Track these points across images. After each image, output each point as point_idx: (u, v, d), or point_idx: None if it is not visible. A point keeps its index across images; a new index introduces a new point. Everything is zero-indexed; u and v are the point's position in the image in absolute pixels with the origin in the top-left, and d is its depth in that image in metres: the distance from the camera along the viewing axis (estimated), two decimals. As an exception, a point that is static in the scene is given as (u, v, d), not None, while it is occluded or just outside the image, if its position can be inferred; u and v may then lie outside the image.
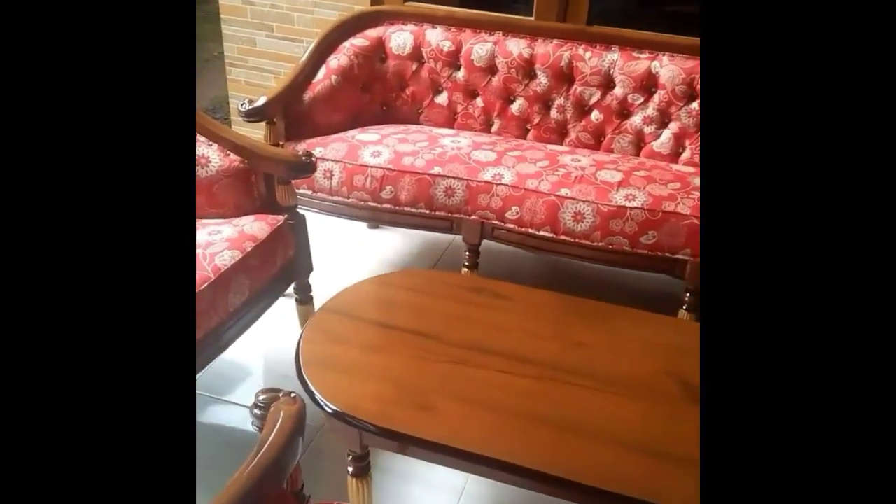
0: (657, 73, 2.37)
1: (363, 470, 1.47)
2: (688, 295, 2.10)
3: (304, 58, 2.45)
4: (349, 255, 2.71)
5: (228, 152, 1.90)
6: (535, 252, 2.26)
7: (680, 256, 2.04)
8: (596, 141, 2.48)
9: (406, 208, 2.21)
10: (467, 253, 2.24)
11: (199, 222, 1.86)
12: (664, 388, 1.45)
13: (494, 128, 2.55)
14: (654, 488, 1.22)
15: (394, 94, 2.60)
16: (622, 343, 1.58)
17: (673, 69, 2.34)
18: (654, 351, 1.55)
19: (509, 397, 1.39)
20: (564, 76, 2.44)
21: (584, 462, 1.26)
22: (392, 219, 2.28)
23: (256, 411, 1.03)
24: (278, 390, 1.04)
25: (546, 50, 2.44)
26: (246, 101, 2.23)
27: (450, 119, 2.59)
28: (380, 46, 2.56)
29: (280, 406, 1.00)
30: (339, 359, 1.48)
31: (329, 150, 2.26)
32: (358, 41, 2.52)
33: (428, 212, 2.20)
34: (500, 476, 1.32)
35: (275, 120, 2.30)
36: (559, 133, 2.51)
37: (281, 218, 1.91)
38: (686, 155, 2.39)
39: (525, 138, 2.53)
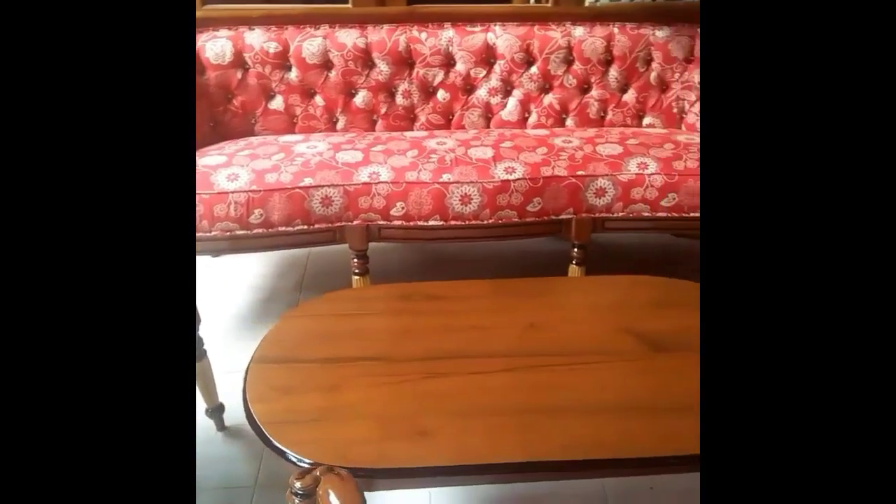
0: (494, 43, 2.39)
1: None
2: (575, 250, 2.18)
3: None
4: (213, 293, 2.44)
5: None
6: (423, 243, 2.20)
7: (564, 216, 2.11)
8: (446, 120, 2.46)
9: (281, 228, 2.02)
10: (356, 260, 2.11)
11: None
12: (624, 345, 1.48)
13: (340, 125, 2.42)
14: (650, 444, 1.23)
15: (220, 108, 2.35)
16: (569, 313, 1.59)
17: (508, 38, 2.38)
18: (601, 312, 1.59)
19: (493, 397, 1.34)
20: (404, 60, 2.38)
21: (587, 436, 1.25)
22: (266, 243, 2.07)
23: (299, 501, 0.87)
24: (310, 469, 0.89)
25: (380, 37, 2.35)
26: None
27: (289, 124, 2.41)
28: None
29: (329, 486, 0.85)
30: (301, 410, 1.31)
31: (176, 183, 1.97)
32: (169, 55, 2.22)
33: (306, 227, 2.03)
34: (508, 477, 1.27)
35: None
36: (408, 119, 2.45)
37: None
38: (533, 119, 2.46)
39: (374, 130, 2.43)
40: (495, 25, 2.40)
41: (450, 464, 1.20)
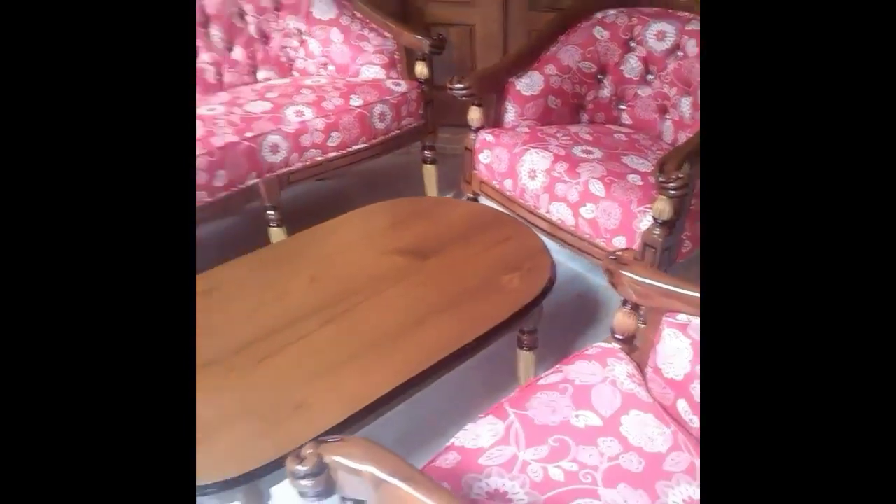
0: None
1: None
2: (269, 213, 2.17)
3: None
4: None
5: None
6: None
7: (249, 182, 2.08)
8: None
9: None
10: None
11: None
12: (399, 264, 1.62)
13: None
14: (473, 327, 1.43)
15: None
16: (336, 257, 1.67)
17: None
18: (362, 245, 1.71)
19: (332, 351, 1.36)
20: None
21: (426, 344, 1.38)
22: None
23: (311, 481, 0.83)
24: (297, 452, 0.85)
25: None
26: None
27: None
28: None
29: (337, 453, 0.84)
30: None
31: None
32: None
33: None
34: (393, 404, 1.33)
35: None
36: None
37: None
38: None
39: None
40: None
41: (343, 416, 1.21)
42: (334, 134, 2.21)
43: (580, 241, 1.94)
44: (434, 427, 1.72)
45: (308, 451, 0.83)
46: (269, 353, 1.34)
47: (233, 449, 1.15)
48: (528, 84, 2.22)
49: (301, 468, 0.82)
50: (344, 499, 0.87)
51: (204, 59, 2.37)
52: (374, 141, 2.34)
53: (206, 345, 1.35)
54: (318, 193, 2.79)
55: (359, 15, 2.56)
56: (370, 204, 1.89)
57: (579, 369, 1.23)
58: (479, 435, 1.10)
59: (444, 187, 2.69)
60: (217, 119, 2.07)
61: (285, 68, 2.57)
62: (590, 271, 2.32)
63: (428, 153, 2.58)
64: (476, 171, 2.22)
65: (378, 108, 2.31)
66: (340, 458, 0.83)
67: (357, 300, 1.50)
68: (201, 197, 1.96)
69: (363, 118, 2.27)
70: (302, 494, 0.83)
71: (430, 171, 2.61)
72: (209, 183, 1.96)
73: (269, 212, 2.16)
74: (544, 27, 2.33)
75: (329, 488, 0.83)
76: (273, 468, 1.13)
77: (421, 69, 2.47)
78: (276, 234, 2.19)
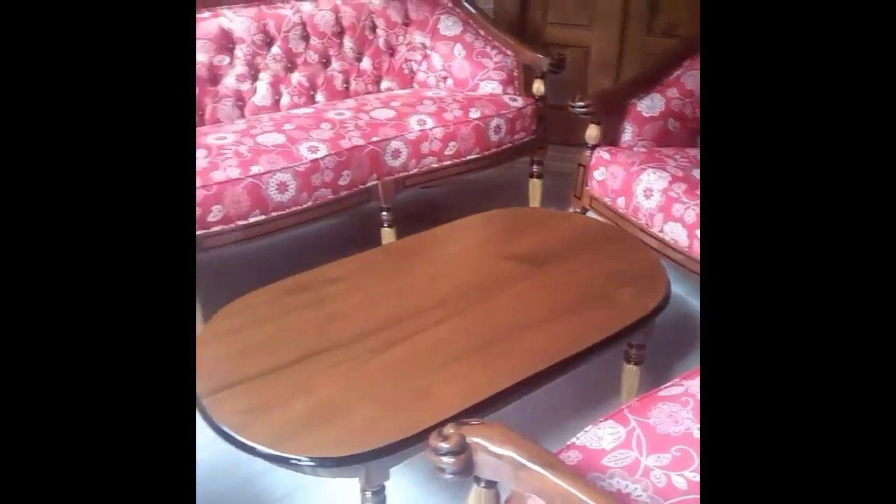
0: (229, 28, 2.26)
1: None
2: (384, 214, 2.26)
3: None
4: None
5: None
6: (251, 243, 2.02)
7: (370, 183, 2.17)
8: (199, 118, 2.25)
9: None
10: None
11: None
12: (513, 269, 1.66)
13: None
14: (585, 336, 1.43)
15: None
16: (454, 258, 1.72)
17: (242, 20, 2.28)
18: (478, 249, 1.77)
19: (452, 343, 1.40)
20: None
21: (539, 347, 1.40)
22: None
23: (453, 458, 0.86)
24: (439, 429, 0.88)
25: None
26: None
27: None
28: None
29: (480, 436, 0.87)
30: (295, 421, 1.20)
31: None
32: None
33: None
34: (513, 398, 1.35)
35: None
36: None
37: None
38: (286, 100, 2.41)
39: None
40: (223, 9, 2.27)
41: (462, 407, 1.24)
42: (451, 143, 2.29)
43: (692, 261, 1.92)
44: (535, 430, 1.73)
45: (450, 430, 0.87)
46: (389, 343, 1.39)
47: (356, 428, 1.20)
48: (649, 106, 2.22)
49: (444, 445, 0.86)
50: (477, 479, 0.90)
51: (335, 66, 2.50)
52: (487, 152, 2.40)
53: (331, 329, 1.42)
54: (424, 200, 2.87)
55: (482, 33, 2.64)
56: (474, 214, 1.93)
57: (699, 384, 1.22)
58: (601, 437, 1.11)
59: (547, 202, 2.71)
60: (345, 123, 2.18)
61: (406, 80, 2.68)
62: (692, 294, 2.28)
63: (535, 168, 2.62)
64: (588, 187, 2.24)
65: (494, 122, 2.37)
66: (482, 440, 0.86)
67: (474, 300, 1.54)
68: (325, 195, 2.06)
69: (479, 130, 2.34)
70: (440, 470, 0.87)
71: (535, 185, 2.65)
72: (335, 182, 2.06)
73: (384, 213, 2.25)
74: (670, 50, 2.33)
75: (468, 468, 0.87)
76: (394, 449, 1.18)
77: (538, 86, 2.52)
78: (387, 234, 2.27)
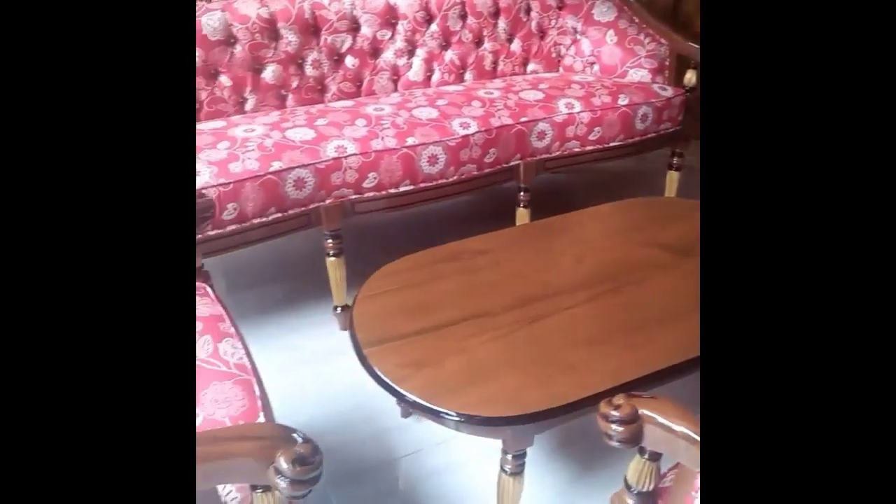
0: (395, 3, 2.36)
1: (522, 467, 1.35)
2: (521, 194, 2.31)
3: None
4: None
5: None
6: (395, 211, 2.14)
7: (513, 163, 2.23)
8: (356, 88, 2.38)
9: (255, 221, 1.83)
10: (330, 241, 2.00)
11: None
12: (659, 257, 1.66)
13: (249, 105, 2.21)
14: None
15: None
16: (599, 241, 1.74)
17: (407, -3, 2.38)
18: (623, 235, 1.77)
19: (596, 323, 1.43)
20: (310, 28, 2.24)
21: (679, 339, 1.39)
22: (238, 240, 1.86)
23: (622, 427, 0.89)
24: (608, 399, 0.92)
25: (283, 5, 2.18)
26: None
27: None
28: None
29: (652, 409, 0.90)
30: (449, 378, 1.28)
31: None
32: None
33: (281, 214, 1.87)
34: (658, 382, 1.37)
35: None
36: (318, 91, 2.32)
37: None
38: (436, 76, 2.50)
39: (285, 106, 2.27)
40: (391, -15, 2.37)
41: (613, 384, 1.27)
42: (597, 129, 2.29)
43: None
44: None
45: (621, 400, 0.91)
46: (537, 317, 1.44)
47: (505, 393, 1.26)
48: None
49: (615, 413, 0.90)
50: (642, 449, 0.94)
51: (486, 46, 2.56)
52: (630, 140, 2.39)
53: (481, 298, 1.49)
54: (557, 185, 2.89)
55: (636, 20, 2.61)
56: (606, 202, 1.94)
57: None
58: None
59: (682, 197, 2.66)
60: (494, 102, 2.24)
61: (553, 63, 2.70)
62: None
63: (676, 160, 2.58)
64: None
65: (642, 110, 2.35)
66: (654, 414, 0.90)
67: (620, 283, 1.56)
68: (470, 170, 2.13)
69: (626, 117, 2.33)
70: (608, 437, 0.91)
71: (673, 178, 2.61)
72: (481, 158, 2.13)
73: (521, 193, 2.30)
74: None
75: (636, 437, 0.91)
76: (540, 417, 1.23)
77: (690, 77, 2.47)
78: (522, 214, 2.32)
